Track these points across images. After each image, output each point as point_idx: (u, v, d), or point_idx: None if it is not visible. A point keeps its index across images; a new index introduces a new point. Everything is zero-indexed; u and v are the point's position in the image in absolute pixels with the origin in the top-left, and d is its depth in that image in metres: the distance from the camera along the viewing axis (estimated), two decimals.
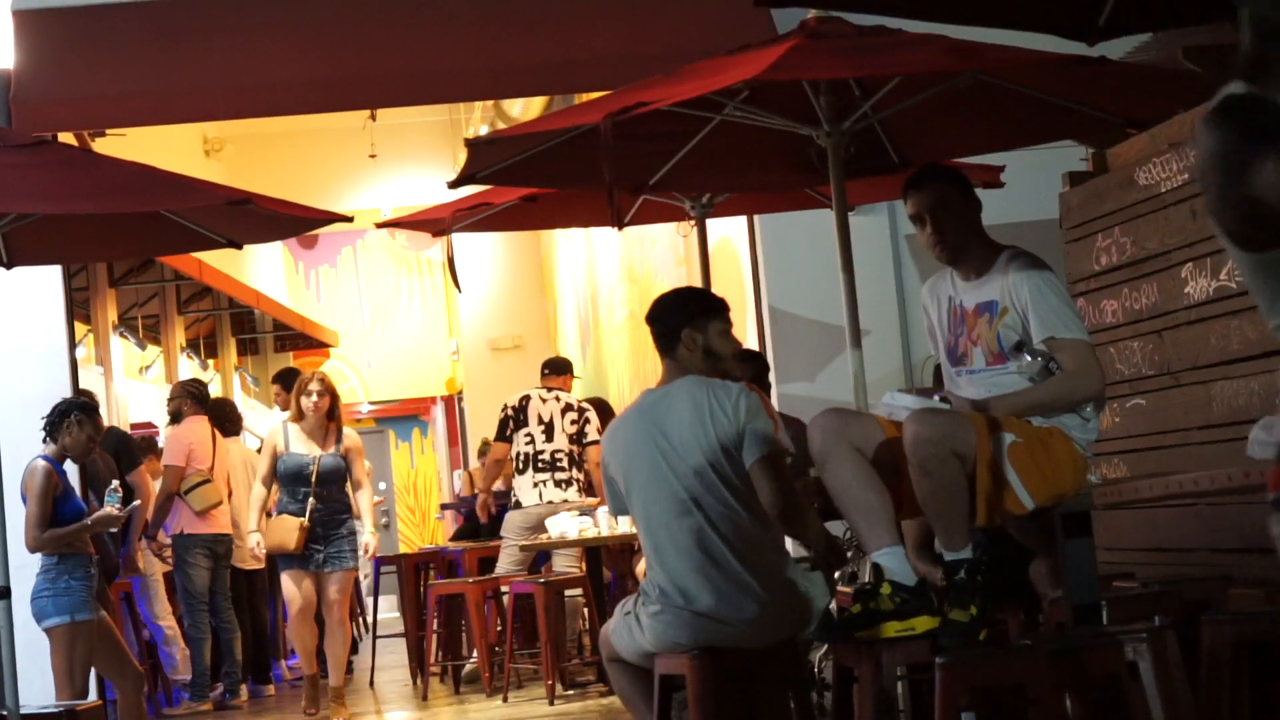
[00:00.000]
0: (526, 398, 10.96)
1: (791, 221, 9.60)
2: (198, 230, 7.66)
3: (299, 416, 9.48)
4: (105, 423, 10.48)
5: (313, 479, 9.38)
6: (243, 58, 9.54)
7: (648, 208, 8.72)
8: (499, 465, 11.19)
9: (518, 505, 10.79)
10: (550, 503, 10.69)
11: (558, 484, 10.81)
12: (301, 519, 9.32)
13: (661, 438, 5.28)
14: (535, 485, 10.76)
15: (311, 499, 9.36)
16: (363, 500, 9.72)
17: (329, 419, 9.48)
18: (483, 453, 16.59)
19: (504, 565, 10.85)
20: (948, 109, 6.46)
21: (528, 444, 10.82)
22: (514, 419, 10.90)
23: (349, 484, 9.69)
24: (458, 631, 11.39)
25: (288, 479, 9.43)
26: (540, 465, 10.80)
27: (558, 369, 11.41)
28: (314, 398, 9.44)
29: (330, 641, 9.71)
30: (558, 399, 11.00)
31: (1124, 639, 4.61)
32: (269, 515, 9.62)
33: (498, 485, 12.09)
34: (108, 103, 9.58)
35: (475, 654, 10.85)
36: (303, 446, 9.46)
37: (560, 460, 10.82)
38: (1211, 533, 6.90)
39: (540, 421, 10.87)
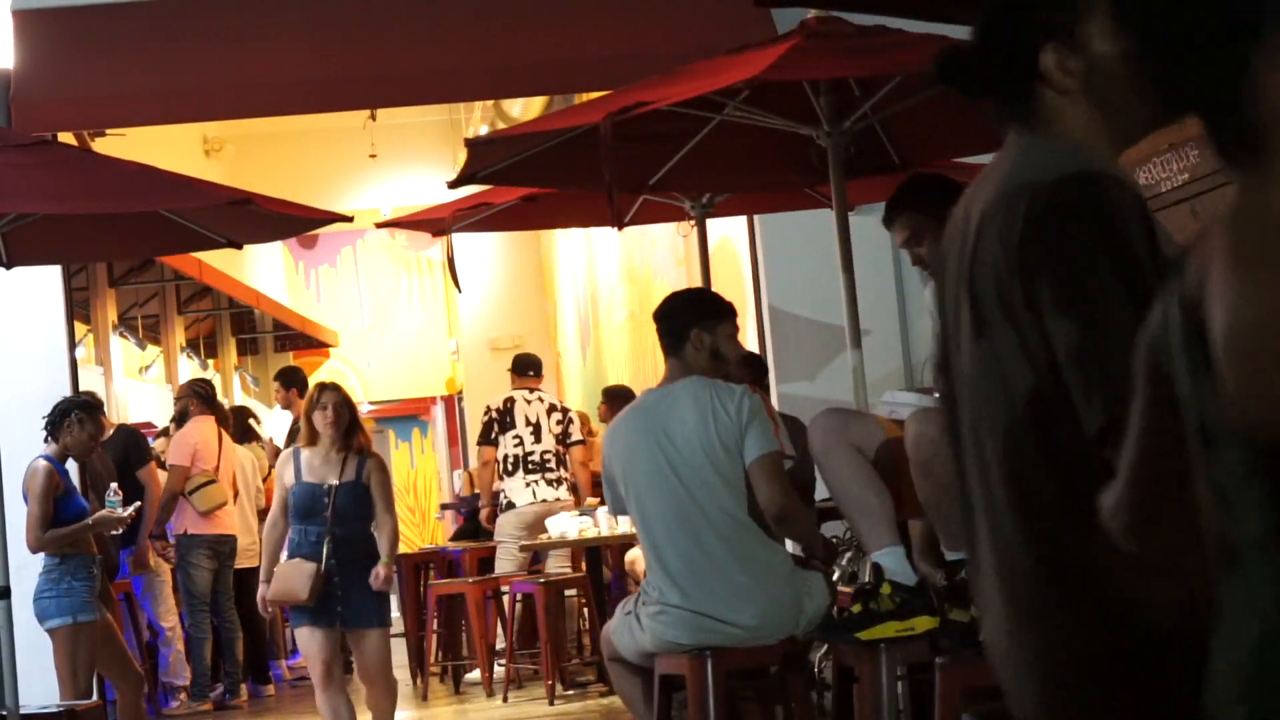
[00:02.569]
0: (510, 400, 11.04)
1: (791, 221, 9.59)
2: (198, 230, 7.66)
3: (311, 439, 7.48)
4: (107, 422, 10.52)
5: (328, 513, 7.39)
6: (243, 58, 9.54)
7: (648, 208, 8.72)
8: (490, 469, 11.12)
9: (510, 506, 10.85)
10: (544, 501, 10.81)
11: (549, 484, 10.91)
12: (317, 564, 7.31)
13: (664, 437, 5.28)
14: (528, 485, 10.87)
15: (328, 539, 7.37)
16: (383, 533, 7.52)
17: (347, 436, 7.47)
18: None
19: (504, 566, 10.87)
20: (948, 109, 6.45)
21: (516, 445, 10.90)
22: (500, 421, 10.95)
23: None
24: (458, 631, 11.40)
25: (299, 513, 7.44)
26: (530, 466, 10.90)
27: (534, 367, 11.45)
28: (329, 411, 7.43)
29: (377, 711, 7.74)
30: (540, 400, 11.14)
31: None
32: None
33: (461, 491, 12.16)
34: (108, 103, 9.58)
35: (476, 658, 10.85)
36: (316, 474, 7.46)
37: (549, 461, 10.94)
38: None
39: (528, 423, 10.97)
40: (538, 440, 10.95)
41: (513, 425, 10.95)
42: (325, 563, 7.28)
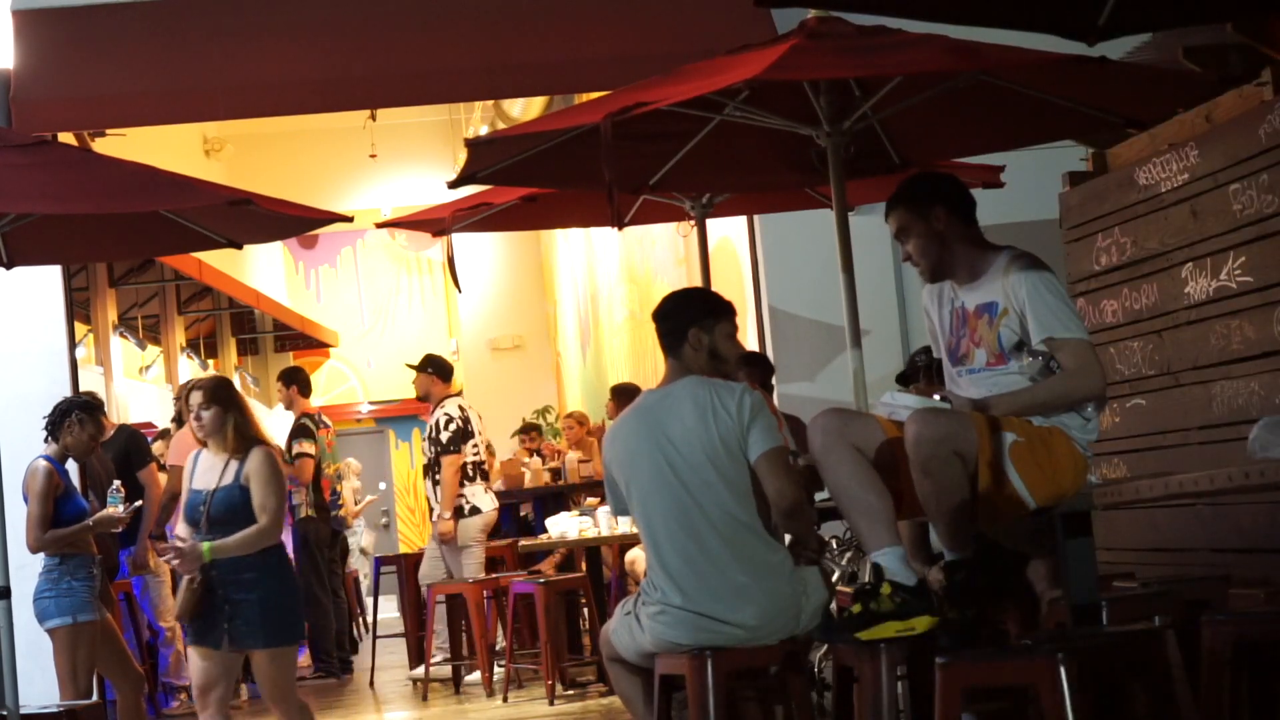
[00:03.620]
0: (463, 407, 11.23)
1: (791, 221, 9.60)
2: (198, 230, 7.65)
3: (202, 442, 6.88)
4: (108, 423, 10.53)
5: (203, 522, 6.69)
6: (243, 58, 9.54)
7: (648, 208, 8.72)
8: (459, 477, 11.05)
9: (476, 511, 11.04)
10: (496, 508, 11.22)
11: (491, 490, 11.33)
12: (194, 577, 6.65)
13: (664, 437, 5.28)
14: (487, 491, 11.18)
15: None
16: (247, 530, 6.67)
17: (222, 435, 6.76)
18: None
19: (471, 570, 10.97)
20: (948, 109, 6.46)
21: (475, 453, 11.14)
22: (463, 430, 11.05)
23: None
24: (458, 631, 11.40)
25: (189, 523, 6.80)
26: (484, 473, 11.20)
27: (451, 371, 11.59)
28: (193, 417, 6.82)
29: None
30: (471, 407, 11.39)
31: (1124, 639, 4.61)
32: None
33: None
34: (108, 103, 9.58)
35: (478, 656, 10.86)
36: (201, 479, 6.81)
37: (488, 468, 11.33)
38: (1211, 533, 6.91)
39: (480, 431, 11.26)
40: (483, 448, 11.32)
41: (472, 434, 11.15)
42: (206, 575, 6.61)
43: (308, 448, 11.92)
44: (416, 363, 11.49)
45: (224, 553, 6.62)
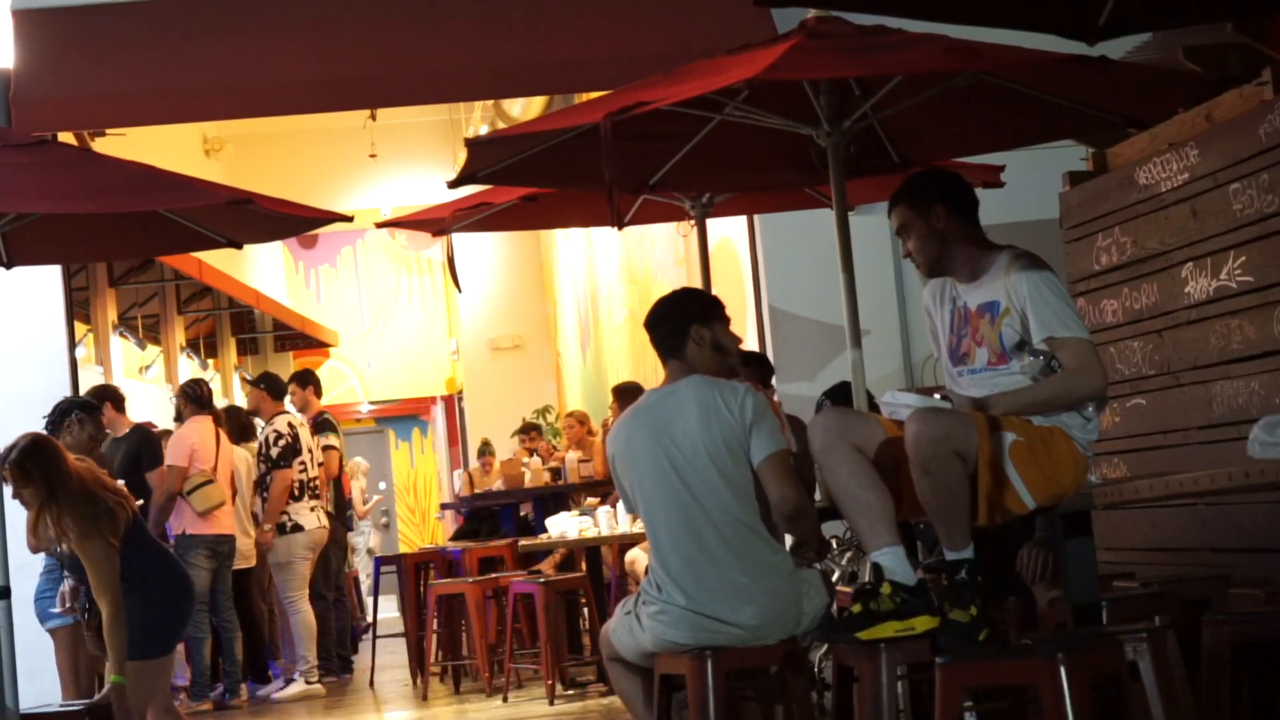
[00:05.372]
0: (292, 424, 11.38)
1: (791, 221, 9.60)
2: (198, 230, 7.65)
3: None
4: (125, 421, 10.63)
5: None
6: (243, 58, 9.55)
7: (648, 208, 8.71)
8: (288, 492, 11.25)
9: (298, 528, 11.25)
10: (324, 527, 11.39)
11: (322, 509, 11.47)
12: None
13: (666, 437, 5.28)
14: (313, 510, 11.32)
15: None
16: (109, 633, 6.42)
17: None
18: (483, 453, 16.61)
19: (293, 588, 11.26)
20: (948, 109, 6.46)
21: (302, 471, 11.31)
22: (292, 446, 11.26)
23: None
24: (458, 631, 11.40)
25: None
26: (312, 491, 11.35)
27: (285, 390, 11.83)
28: (13, 495, 6.45)
29: None
30: (304, 424, 11.56)
31: (1124, 639, 4.61)
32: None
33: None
34: (108, 103, 9.59)
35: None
36: None
37: (318, 485, 11.46)
38: (1211, 533, 6.91)
39: (308, 449, 11.41)
40: (313, 465, 11.42)
41: (299, 451, 11.31)
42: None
43: (333, 440, 12.07)
44: (253, 379, 11.83)
45: (118, 662, 6.31)
